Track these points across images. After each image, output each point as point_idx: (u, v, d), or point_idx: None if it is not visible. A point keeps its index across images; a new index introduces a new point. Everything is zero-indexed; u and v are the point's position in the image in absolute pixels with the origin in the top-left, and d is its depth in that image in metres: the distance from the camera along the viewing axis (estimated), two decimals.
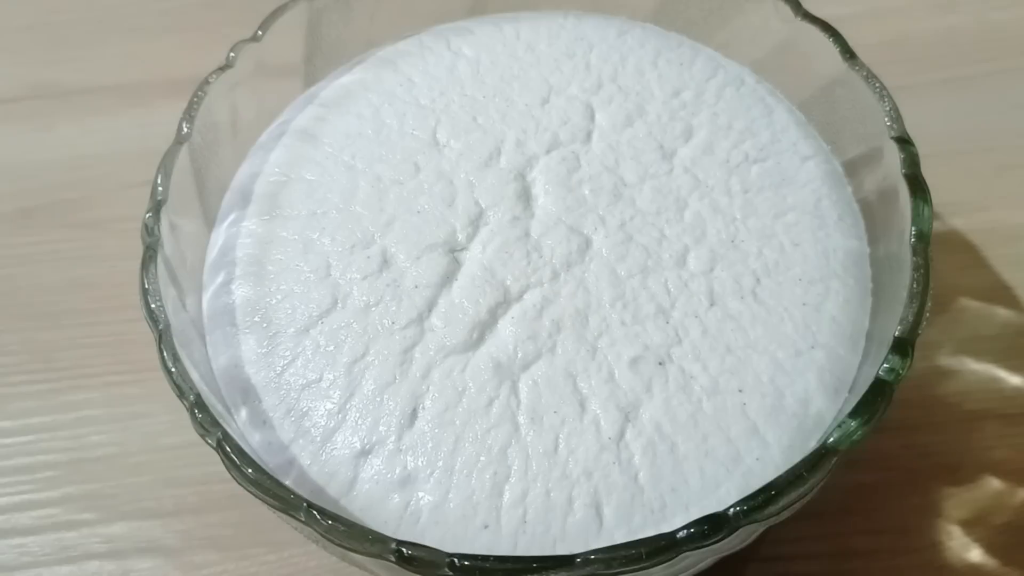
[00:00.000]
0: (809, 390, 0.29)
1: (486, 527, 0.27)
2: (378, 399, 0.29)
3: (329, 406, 0.29)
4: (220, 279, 0.33)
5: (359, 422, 0.29)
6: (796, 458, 0.27)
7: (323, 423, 0.29)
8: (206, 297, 0.33)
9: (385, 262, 0.32)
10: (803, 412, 0.29)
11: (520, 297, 0.31)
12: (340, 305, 0.31)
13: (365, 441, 0.28)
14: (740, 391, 0.29)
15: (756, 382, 0.29)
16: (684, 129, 0.35)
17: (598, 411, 0.28)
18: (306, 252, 0.32)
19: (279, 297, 0.32)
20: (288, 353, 0.30)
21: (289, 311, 0.31)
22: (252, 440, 0.29)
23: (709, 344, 0.29)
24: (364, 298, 0.31)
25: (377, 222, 0.33)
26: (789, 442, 0.28)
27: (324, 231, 0.33)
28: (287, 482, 0.28)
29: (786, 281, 0.31)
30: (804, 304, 0.30)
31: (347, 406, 0.29)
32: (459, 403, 0.29)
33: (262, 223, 0.33)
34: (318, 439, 0.29)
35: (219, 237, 0.34)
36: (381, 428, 0.29)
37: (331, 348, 0.30)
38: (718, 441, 0.28)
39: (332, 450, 0.29)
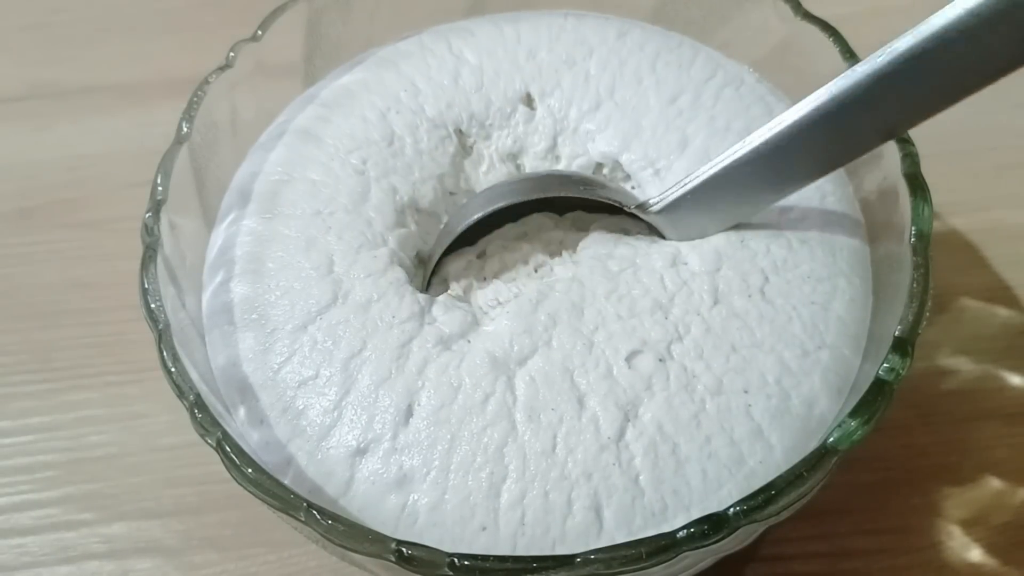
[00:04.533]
0: (815, 391, 0.29)
1: (484, 529, 0.27)
2: (373, 396, 0.29)
3: (325, 403, 0.29)
4: (219, 278, 0.32)
5: (355, 419, 0.29)
6: (798, 459, 0.27)
7: (319, 420, 0.29)
8: (205, 296, 0.33)
9: (391, 263, 0.32)
10: (807, 414, 0.28)
11: (517, 291, 0.31)
12: (340, 301, 0.31)
13: (361, 439, 0.28)
14: (745, 392, 0.28)
15: (762, 383, 0.28)
16: (679, 140, 0.34)
17: (597, 409, 0.28)
18: (308, 249, 0.32)
19: (278, 294, 0.31)
20: (285, 350, 0.30)
21: (288, 307, 0.31)
22: (251, 439, 0.29)
23: (713, 342, 0.29)
24: (366, 294, 0.31)
25: (389, 226, 0.33)
26: (792, 444, 0.28)
27: (330, 230, 0.32)
28: (285, 482, 0.28)
29: (794, 279, 0.30)
30: (812, 303, 0.30)
31: (343, 403, 0.29)
32: (455, 400, 0.28)
33: (263, 221, 0.33)
34: (314, 437, 0.29)
35: (218, 237, 0.34)
36: (376, 426, 0.28)
37: (328, 344, 0.30)
38: (721, 443, 0.27)
39: (328, 448, 0.28)
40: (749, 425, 0.28)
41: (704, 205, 0.31)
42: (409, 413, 0.28)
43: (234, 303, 0.32)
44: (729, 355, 0.29)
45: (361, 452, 0.28)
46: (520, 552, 0.26)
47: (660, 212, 0.31)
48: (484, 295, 0.32)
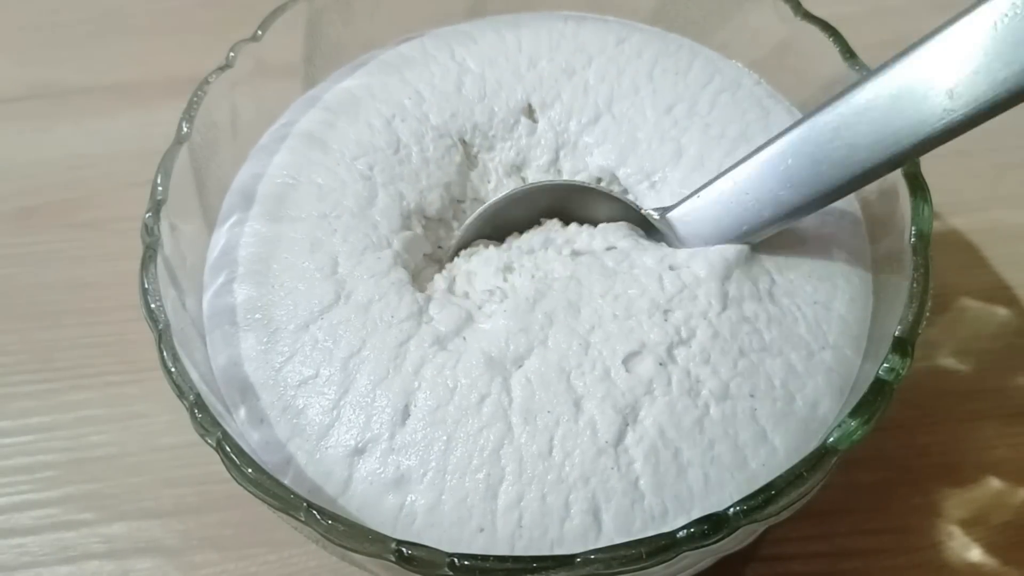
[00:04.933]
0: (819, 392, 0.29)
1: (481, 530, 0.27)
2: (371, 395, 0.29)
3: (324, 402, 0.29)
4: (222, 279, 0.33)
5: (353, 419, 0.29)
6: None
7: (318, 420, 0.29)
8: (206, 298, 0.33)
9: (395, 264, 0.32)
10: (811, 415, 0.28)
11: (506, 261, 0.32)
12: (343, 301, 0.31)
13: (359, 439, 0.28)
14: (752, 396, 0.28)
15: (769, 386, 0.28)
16: (674, 151, 0.34)
17: (594, 412, 0.28)
18: (313, 251, 0.32)
19: (282, 294, 0.31)
20: (287, 349, 0.30)
21: (291, 307, 0.31)
22: (251, 439, 0.29)
23: (721, 347, 0.29)
24: (368, 294, 0.31)
25: (395, 229, 0.33)
26: (796, 446, 0.28)
27: (336, 232, 0.33)
28: (284, 481, 0.27)
29: (797, 278, 0.30)
30: (815, 302, 0.30)
31: (341, 402, 0.29)
32: (450, 400, 0.28)
33: (267, 223, 0.33)
34: (313, 437, 0.29)
35: (220, 238, 0.34)
36: (375, 425, 0.28)
37: (329, 343, 0.30)
38: (725, 447, 0.27)
39: (327, 448, 0.28)
40: (754, 429, 0.28)
41: (712, 219, 0.31)
42: (406, 413, 0.28)
43: (237, 304, 0.32)
44: (737, 360, 0.29)
45: (359, 452, 0.28)
46: (518, 553, 0.26)
47: (668, 220, 0.31)
48: (472, 266, 0.32)
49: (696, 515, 0.26)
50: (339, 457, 0.28)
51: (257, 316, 0.31)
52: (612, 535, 0.26)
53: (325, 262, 0.32)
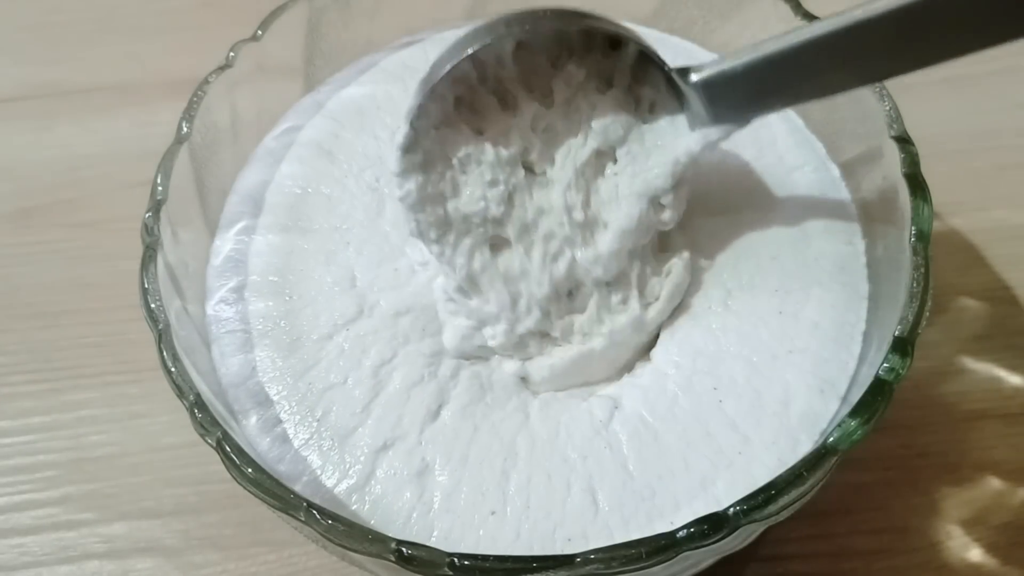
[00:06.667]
0: (789, 390, 0.29)
1: (493, 513, 0.28)
2: (404, 397, 0.30)
3: (353, 406, 0.30)
4: (231, 285, 0.33)
5: (383, 418, 0.30)
6: (781, 454, 0.28)
7: (344, 422, 0.30)
8: (211, 302, 0.33)
9: (414, 273, 0.32)
10: (783, 411, 0.29)
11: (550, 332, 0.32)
12: (367, 313, 0.32)
13: (388, 437, 0.29)
14: (715, 389, 0.30)
15: (731, 383, 0.30)
16: None
17: (594, 399, 0.30)
18: (329, 263, 0.33)
19: (300, 305, 0.32)
20: (309, 358, 0.31)
21: (311, 318, 0.32)
22: (261, 443, 0.30)
23: (679, 345, 0.31)
24: (393, 306, 0.32)
25: (406, 238, 0.33)
26: (772, 439, 0.29)
27: (349, 245, 0.33)
28: (302, 482, 0.28)
29: (762, 292, 0.31)
30: (780, 312, 0.31)
31: (371, 405, 0.30)
32: (482, 399, 0.30)
33: (279, 234, 0.34)
34: (337, 438, 0.29)
35: (225, 243, 0.34)
36: (405, 424, 0.29)
37: (357, 352, 0.31)
38: (697, 434, 0.29)
39: (351, 447, 0.29)
40: (722, 419, 0.29)
41: (746, 87, 0.29)
42: (439, 411, 0.30)
43: (250, 313, 0.32)
44: (695, 358, 0.30)
45: (386, 448, 0.29)
46: (524, 536, 0.27)
47: (702, 84, 0.30)
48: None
49: (683, 499, 0.28)
50: (364, 454, 0.29)
51: (274, 326, 0.32)
52: (607, 515, 0.28)
53: (342, 275, 0.33)
